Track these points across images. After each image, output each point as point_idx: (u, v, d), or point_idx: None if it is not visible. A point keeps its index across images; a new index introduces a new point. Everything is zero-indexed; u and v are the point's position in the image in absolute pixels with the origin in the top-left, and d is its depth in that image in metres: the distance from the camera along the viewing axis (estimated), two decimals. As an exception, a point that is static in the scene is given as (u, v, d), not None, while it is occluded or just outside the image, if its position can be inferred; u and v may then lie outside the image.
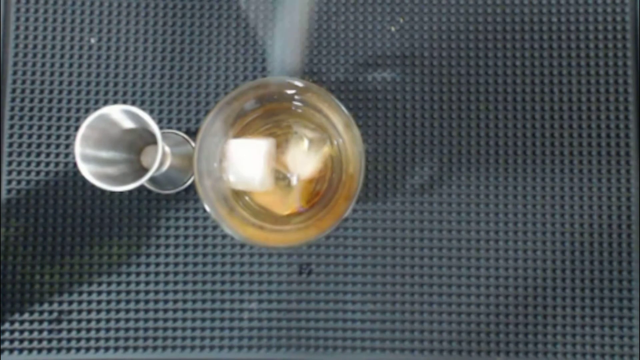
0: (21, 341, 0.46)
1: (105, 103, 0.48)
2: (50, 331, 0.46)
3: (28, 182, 0.47)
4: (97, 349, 0.46)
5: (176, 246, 0.47)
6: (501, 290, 0.46)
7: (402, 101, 0.48)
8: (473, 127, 0.48)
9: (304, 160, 0.40)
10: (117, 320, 0.46)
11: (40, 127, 0.47)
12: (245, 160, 0.38)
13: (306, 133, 0.41)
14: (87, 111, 0.48)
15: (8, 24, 0.48)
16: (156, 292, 0.46)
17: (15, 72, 0.48)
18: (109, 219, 0.47)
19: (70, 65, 0.48)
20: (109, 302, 0.46)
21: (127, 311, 0.46)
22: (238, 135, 0.41)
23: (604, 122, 0.47)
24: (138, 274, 0.46)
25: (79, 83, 0.48)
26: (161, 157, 0.38)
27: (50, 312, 0.46)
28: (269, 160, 0.38)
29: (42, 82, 0.48)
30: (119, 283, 0.46)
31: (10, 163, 0.47)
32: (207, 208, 0.36)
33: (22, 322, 0.46)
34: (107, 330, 0.46)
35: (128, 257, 0.47)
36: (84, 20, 0.48)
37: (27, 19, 0.48)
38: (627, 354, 0.46)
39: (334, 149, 0.41)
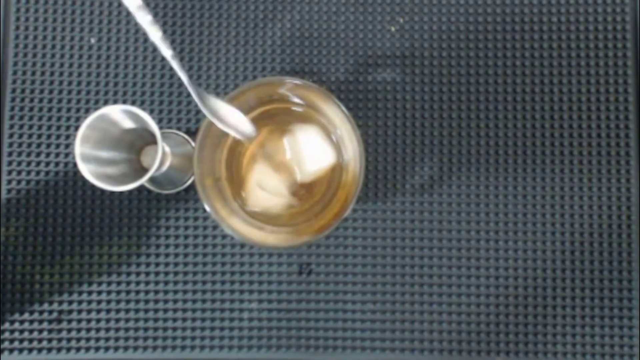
0: (21, 341, 0.46)
1: (105, 103, 0.48)
2: (50, 331, 0.46)
3: (28, 182, 0.47)
4: (97, 349, 0.46)
5: (176, 246, 0.47)
6: (501, 290, 0.46)
7: (402, 101, 0.48)
8: (473, 127, 0.48)
9: (306, 159, 0.41)
10: (117, 320, 0.46)
11: (40, 127, 0.47)
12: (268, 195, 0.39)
13: (305, 133, 0.41)
14: (87, 111, 0.48)
15: (8, 24, 0.48)
16: (156, 292, 0.46)
17: (15, 72, 0.48)
18: (109, 219, 0.47)
19: (70, 65, 0.48)
20: (109, 302, 0.46)
21: (127, 311, 0.46)
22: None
23: (604, 122, 0.47)
24: (138, 274, 0.46)
25: (79, 83, 0.48)
26: (161, 157, 0.38)
27: (50, 312, 0.46)
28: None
29: (42, 82, 0.48)
30: (119, 283, 0.46)
31: (10, 163, 0.47)
32: (207, 208, 0.36)
33: (22, 322, 0.46)
34: (107, 330, 0.46)
35: (128, 257, 0.47)
36: (84, 20, 0.48)
37: (27, 19, 0.48)
38: (627, 354, 0.46)
39: (334, 148, 0.41)
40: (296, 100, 0.40)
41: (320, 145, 0.40)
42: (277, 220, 0.40)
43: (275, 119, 0.41)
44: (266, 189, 0.39)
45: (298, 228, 0.40)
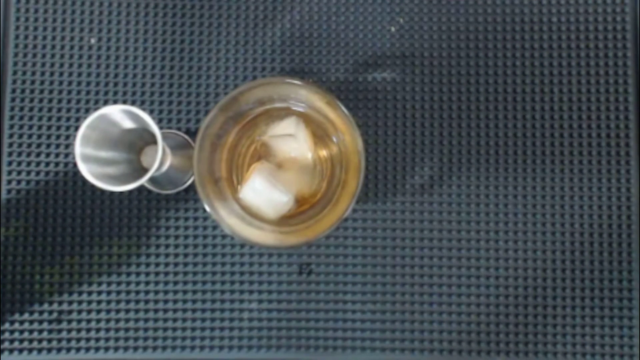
0: (21, 341, 0.46)
1: (105, 103, 0.48)
2: (50, 331, 0.46)
3: (28, 182, 0.47)
4: (97, 349, 0.46)
5: (176, 246, 0.47)
6: (501, 290, 0.46)
7: (402, 101, 0.48)
8: (473, 127, 0.48)
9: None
10: (117, 320, 0.46)
11: (40, 127, 0.47)
12: (264, 198, 0.39)
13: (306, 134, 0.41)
14: (87, 111, 0.48)
15: (8, 24, 0.48)
16: (156, 292, 0.46)
17: (15, 72, 0.48)
18: (109, 219, 0.47)
19: (70, 65, 0.48)
20: (109, 302, 0.46)
21: (127, 311, 0.46)
22: (239, 133, 0.41)
23: (604, 122, 0.47)
24: (138, 274, 0.46)
25: (79, 83, 0.48)
26: (161, 157, 0.38)
27: (50, 312, 0.46)
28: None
29: (42, 82, 0.48)
30: (119, 283, 0.46)
31: (10, 163, 0.47)
32: (207, 208, 0.36)
33: (22, 322, 0.46)
34: (107, 330, 0.46)
35: (128, 257, 0.47)
36: (84, 20, 0.48)
37: (27, 19, 0.48)
38: (627, 354, 0.46)
39: (334, 148, 0.41)
40: (296, 100, 0.40)
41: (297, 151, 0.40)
42: (276, 220, 0.40)
43: (275, 118, 0.41)
44: (265, 189, 0.39)
45: (298, 228, 0.40)
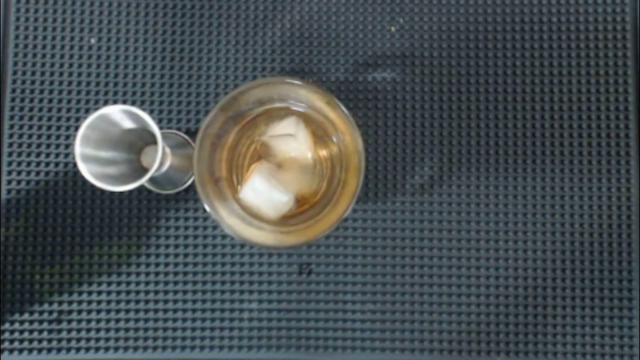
0: (21, 341, 0.46)
1: (105, 103, 0.48)
2: (50, 331, 0.46)
3: (28, 182, 0.47)
4: (97, 349, 0.46)
5: (176, 246, 0.47)
6: (501, 290, 0.46)
7: (402, 101, 0.48)
8: (473, 127, 0.48)
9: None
10: (117, 320, 0.46)
11: (40, 127, 0.47)
12: (264, 197, 0.39)
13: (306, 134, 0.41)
14: (87, 111, 0.48)
15: (8, 24, 0.48)
16: (156, 292, 0.46)
17: (15, 72, 0.48)
18: (109, 219, 0.47)
19: (70, 65, 0.48)
20: (109, 302, 0.46)
21: (127, 311, 0.46)
22: (239, 133, 0.41)
23: (604, 122, 0.47)
24: (138, 274, 0.46)
25: (79, 83, 0.48)
26: (161, 157, 0.38)
27: (50, 312, 0.46)
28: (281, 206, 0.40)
29: (42, 82, 0.48)
30: (119, 283, 0.46)
31: (10, 163, 0.47)
32: (207, 208, 0.36)
33: (22, 322, 0.46)
34: (107, 330, 0.46)
35: (128, 257, 0.47)
36: (84, 20, 0.48)
37: (27, 19, 0.48)
38: (627, 354, 0.46)
39: (334, 148, 0.41)
40: (296, 100, 0.40)
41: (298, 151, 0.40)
42: (276, 220, 0.40)
43: (275, 118, 0.41)
44: (265, 190, 0.39)
45: (298, 228, 0.40)
